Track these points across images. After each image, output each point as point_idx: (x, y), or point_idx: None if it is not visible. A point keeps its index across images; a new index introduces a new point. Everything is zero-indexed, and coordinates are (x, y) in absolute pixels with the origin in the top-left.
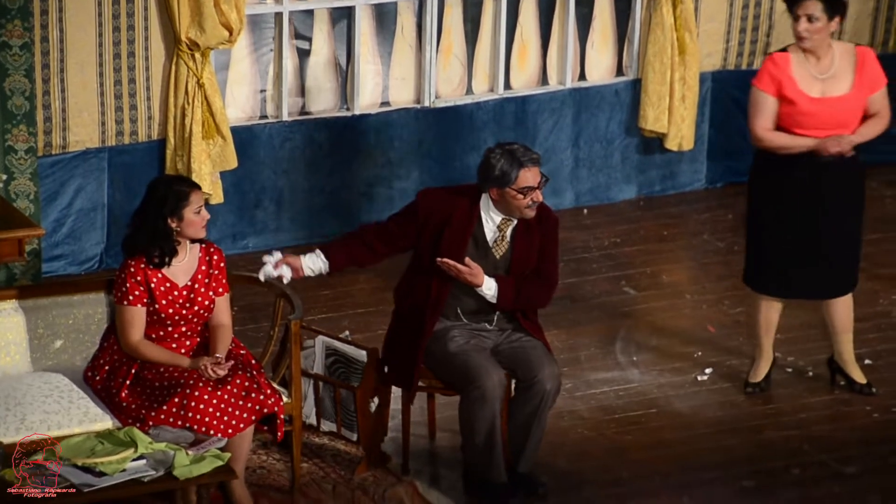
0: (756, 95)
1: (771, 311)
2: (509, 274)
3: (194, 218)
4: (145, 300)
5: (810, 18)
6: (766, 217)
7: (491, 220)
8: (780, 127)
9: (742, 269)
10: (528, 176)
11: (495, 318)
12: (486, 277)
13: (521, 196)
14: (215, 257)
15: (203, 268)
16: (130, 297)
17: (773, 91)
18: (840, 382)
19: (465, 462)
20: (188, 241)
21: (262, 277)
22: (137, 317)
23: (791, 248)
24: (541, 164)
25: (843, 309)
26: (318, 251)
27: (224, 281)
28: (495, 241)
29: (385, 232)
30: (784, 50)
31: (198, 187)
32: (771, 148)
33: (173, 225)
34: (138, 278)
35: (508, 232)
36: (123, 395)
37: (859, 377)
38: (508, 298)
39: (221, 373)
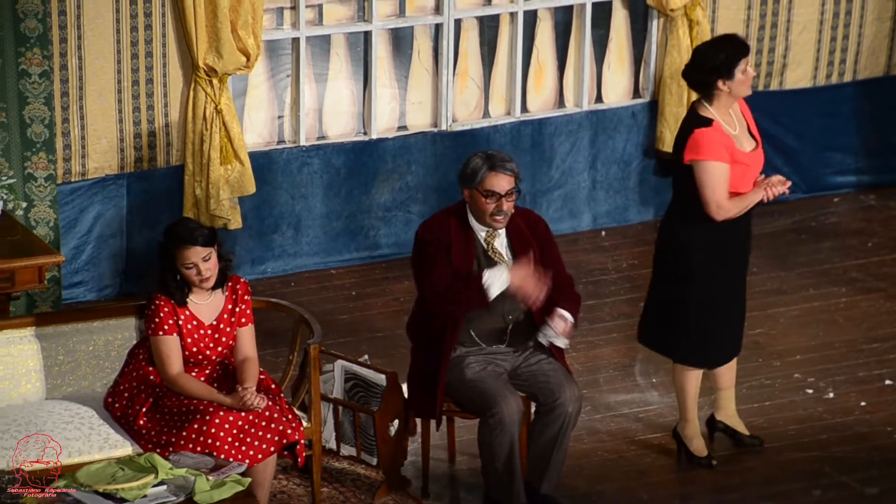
0: (712, 168)
1: (699, 379)
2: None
3: (185, 272)
4: (176, 332)
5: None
6: (706, 289)
7: (479, 234)
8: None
9: (673, 349)
10: (495, 181)
11: (507, 338)
12: (556, 315)
13: (485, 200)
14: (240, 291)
15: (229, 306)
16: (165, 327)
17: (728, 159)
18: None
19: (485, 486)
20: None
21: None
22: (174, 347)
23: (728, 316)
24: (517, 176)
25: (733, 364)
26: (486, 272)
27: (248, 312)
28: (487, 254)
29: (450, 275)
30: (708, 120)
31: (191, 244)
32: (733, 215)
33: (177, 271)
34: (168, 310)
35: (496, 244)
36: (141, 422)
37: (745, 429)
38: (574, 309)
39: (262, 404)
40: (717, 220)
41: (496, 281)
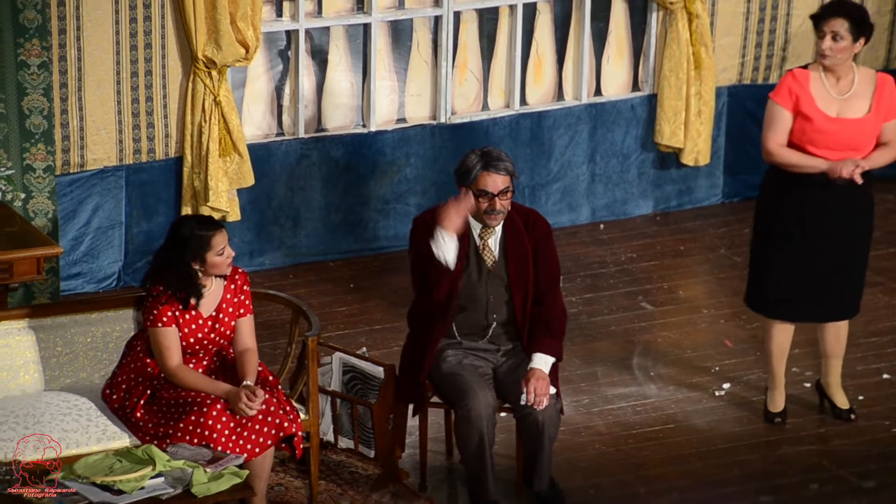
0: (773, 109)
1: (783, 336)
2: (509, 285)
3: (217, 260)
4: (175, 324)
5: (835, 36)
6: (776, 237)
7: (474, 228)
8: (791, 143)
9: (744, 291)
10: (488, 180)
11: (489, 335)
12: (535, 361)
13: (479, 199)
14: (239, 281)
15: (228, 296)
16: (164, 319)
17: (790, 106)
18: (826, 405)
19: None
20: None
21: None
22: (173, 339)
23: (798, 271)
24: (512, 174)
25: (840, 333)
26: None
27: (248, 303)
28: (478, 249)
29: (435, 278)
30: (805, 67)
31: (220, 227)
32: (781, 164)
33: (196, 267)
34: (165, 302)
35: (490, 242)
36: (139, 414)
37: (842, 402)
38: (556, 347)
39: (252, 412)
40: (764, 159)
41: (441, 247)
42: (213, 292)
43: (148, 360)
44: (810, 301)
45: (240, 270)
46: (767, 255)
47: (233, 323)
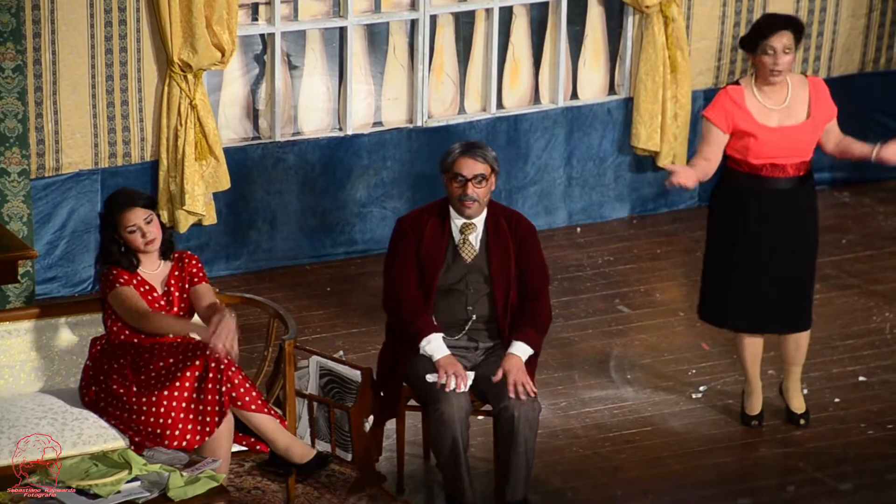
0: (707, 127)
1: (752, 343)
2: (490, 279)
3: (129, 237)
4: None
5: (786, 49)
6: (725, 250)
7: (456, 224)
8: (731, 157)
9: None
10: (464, 164)
11: (468, 328)
12: (514, 347)
13: (453, 184)
14: (186, 261)
15: (176, 273)
16: (121, 280)
17: (725, 126)
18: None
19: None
20: (158, 254)
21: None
22: (136, 294)
23: (749, 282)
24: (491, 166)
25: (800, 343)
26: (435, 336)
27: (201, 275)
28: (458, 245)
29: (413, 274)
30: (737, 83)
31: (131, 206)
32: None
33: (120, 241)
34: (118, 272)
35: (472, 237)
36: (120, 389)
37: (796, 406)
38: (537, 341)
39: (230, 349)
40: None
41: (429, 348)
42: (160, 271)
43: (116, 342)
44: (764, 313)
45: (188, 254)
46: (719, 268)
47: (185, 296)
